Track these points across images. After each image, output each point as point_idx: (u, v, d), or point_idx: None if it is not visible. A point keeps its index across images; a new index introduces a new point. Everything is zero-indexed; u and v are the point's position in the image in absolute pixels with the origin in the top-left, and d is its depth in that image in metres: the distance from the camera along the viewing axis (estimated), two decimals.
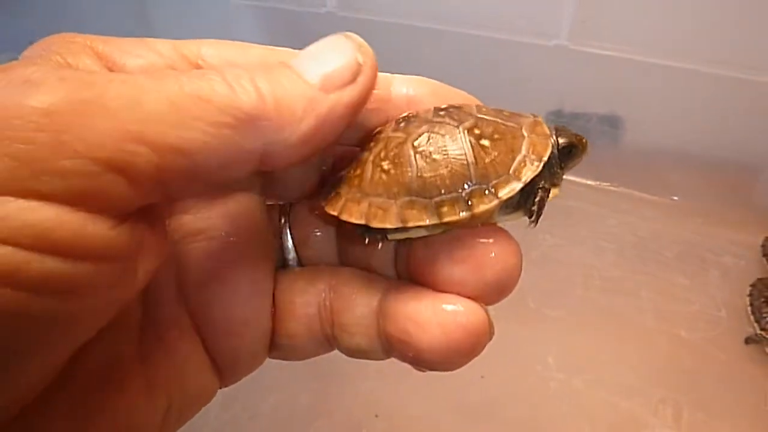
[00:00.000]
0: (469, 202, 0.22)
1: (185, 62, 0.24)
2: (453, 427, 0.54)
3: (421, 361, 0.24)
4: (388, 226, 0.22)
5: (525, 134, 0.23)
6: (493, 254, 0.23)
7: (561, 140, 0.25)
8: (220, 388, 0.27)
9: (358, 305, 0.26)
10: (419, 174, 0.22)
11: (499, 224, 0.24)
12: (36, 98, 0.18)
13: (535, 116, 0.25)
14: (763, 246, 0.68)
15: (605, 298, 0.63)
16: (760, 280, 0.64)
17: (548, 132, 0.24)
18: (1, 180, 0.17)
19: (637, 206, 0.72)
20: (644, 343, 0.60)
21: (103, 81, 0.19)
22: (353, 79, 0.22)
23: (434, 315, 0.23)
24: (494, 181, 0.22)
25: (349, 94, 0.22)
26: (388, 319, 0.24)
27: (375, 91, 0.24)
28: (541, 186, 0.23)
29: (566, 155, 0.25)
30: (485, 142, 0.23)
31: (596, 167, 0.74)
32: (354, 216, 0.23)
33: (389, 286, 0.25)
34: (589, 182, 0.73)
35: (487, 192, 0.22)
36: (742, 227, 0.69)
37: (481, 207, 0.22)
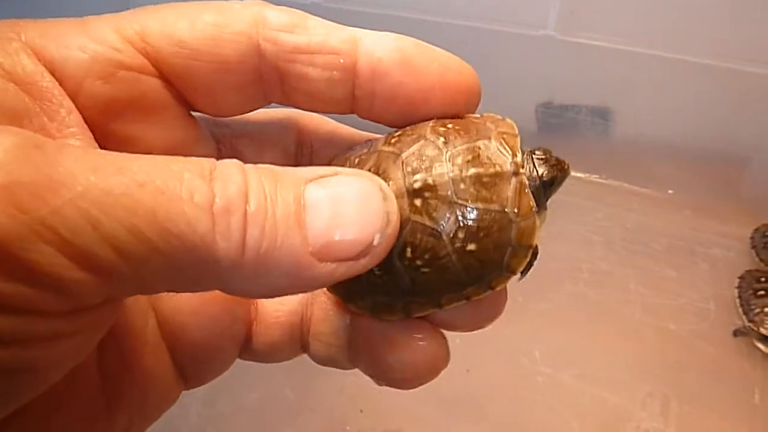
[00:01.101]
0: (467, 295, 0.23)
1: (130, 49, 0.21)
2: (438, 421, 0.53)
3: (386, 377, 0.24)
4: (396, 318, 0.24)
5: (512, 220, 0.22)
6: (502, 303, 0.25)
7: (544, 174, 0.24)
8: (184, 390, 0.26)
9: (335, 317, 0.25)
10: (413, 284, 0.23)
11: None
12: None
13: (515, 163, 0.23)
14: (751, 238, 0.68)
15: (593, 292, 0.62)
16: (748, 272, 0.64)
17: (531, 205, 0.22)
18: None
19: (626, 198, 0.71)
20: (632, 336, 0.59)
21: (59, 191, 0.16)
22: (357, 259, 0.20)
23: (405, 338, 0.24)
24: (488, 278, 0.23)
25: (344, 271, 0.19)
26: (360, 334, 0.25)
27: (341, 60, 0.23)
28: (536, 253, 0.24)
29: (549, 185, 0.24)
30: (472, 247, 0.22)
31: (586, 159, 0.74)
32: (362, 309, 0.24)
33: None
34: (578, 175, 0.73)
35: (483, 287, 0.23)
36: (730, 219, 0.69)
37: (478, 297, 0.23)
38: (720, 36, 0.65)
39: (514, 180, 0.22)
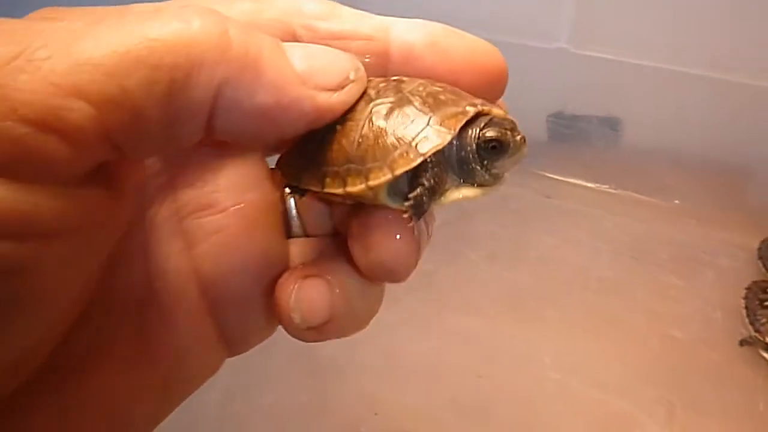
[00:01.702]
0: (345, 180, 0.22)
1: None
2: (451, 425, 0.54)
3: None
4: (292, 183, 0.24)
5: (428, 124, 0.22)
6: (394, 248, 0.23)
7: (488, 134, 0.22)
8: (229, 357, 0.27)
9: None
10: (319, 143, 0.23)
11: (396, 207, 0.23)
12: None
13: (476, 105, 0.22)
14: (759, 249, 0.69)
15: (601, 299, 0.63)
16: (755, 282, 0.65)
17: (453, 127, 0.22)
18: None
19: (634, 208, 0.72)
20: (639, 343, 0.60)
21: (34, 31, 0.17)
22: (336, 89, 0.21)
23: (293, 301, 0.24)
24: (369, 166, 0.22)
25: (325, 98, 0.21)
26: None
27: (372, 43, 0.23)
28: (421, 182, 0.22)
29: (490, 152, 0.22)
30: (381, 123, 0.22)
31: (595, 169, 0.75)
32: (281, 166, 0.25)
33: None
34: (588, 184, 0.74)
35: (360, 175, 0.22)
36: (737, 229, 0.70)
37: (353, 188, 0.22)
38: (725, 49, 0.66)
39: (460, 108, 0.22)
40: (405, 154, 0.21)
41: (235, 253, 0.26)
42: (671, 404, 0.56)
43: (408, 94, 0.22)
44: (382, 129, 0.22)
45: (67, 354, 0.22)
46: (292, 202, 0.27)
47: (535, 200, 0.73)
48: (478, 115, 0.22)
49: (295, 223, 0.28)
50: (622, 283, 0.65)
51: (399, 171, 0.21)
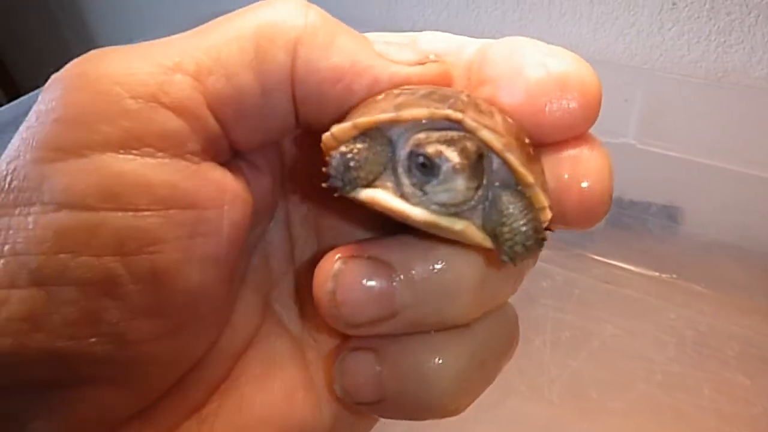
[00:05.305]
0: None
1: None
2: None
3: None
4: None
5: (422, 103, 0.20)
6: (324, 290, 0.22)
7: (426, 149, 0.19)
8: None
9: None
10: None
11: None
12: (69, 67, 0.19)
13: (464, 112, 0.20)
14: None
15: (666, 395, 0.63)
16: None
17: (401, 110, 0.20)
18: (53, 145, 0.18)
19: (697, 300, 0.72)
20: None
21: (144, 44, 0.20)
22: (413, 63, 0.22)
23: (336, 371, 0.24)
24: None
25: (399, 68, 0.21)
26: None
27: (449, 62, 0.23)
28: (340, 148, 0.20)
29: (420, 168, 0.19)
30: (396, 91, 0.21)
31: (655, 257, 0.76)
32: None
33: None
34: (648, 272, 0.74)
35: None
36: None
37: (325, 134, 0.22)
38: None
39: (439, 105, 0.20)
40: (371, 114, 0.20)
41: None
42: None
43: (444, 89, 0.21)
44: (393, 93, 0.21)
45: (242, 373, 0.24)
46: None
47: (594, 286, 0.74)
48: (467, 127, 0.20)
49: None
50: (688, 379, 0.64)
51: (333, 129, 0.21)
